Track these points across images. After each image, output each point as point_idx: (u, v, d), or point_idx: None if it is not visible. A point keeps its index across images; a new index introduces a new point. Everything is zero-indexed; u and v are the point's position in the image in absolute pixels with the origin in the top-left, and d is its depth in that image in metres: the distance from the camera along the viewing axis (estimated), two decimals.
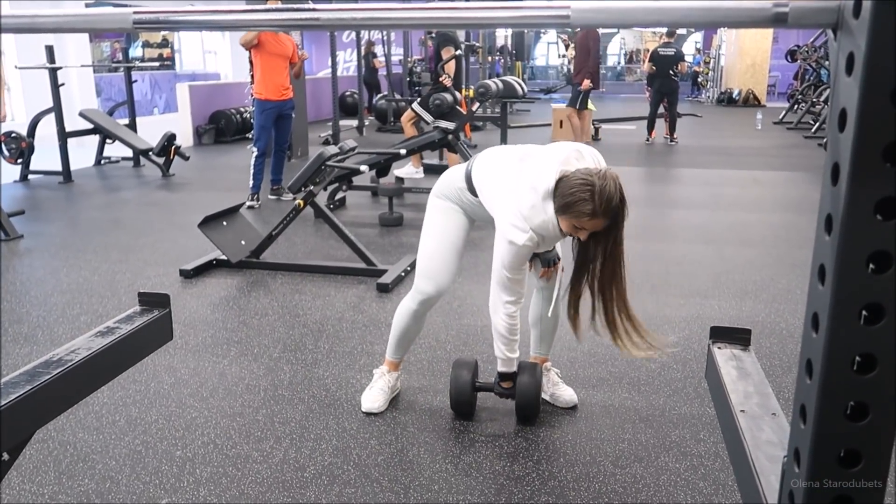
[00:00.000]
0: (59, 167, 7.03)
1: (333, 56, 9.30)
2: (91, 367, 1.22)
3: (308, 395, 2.62)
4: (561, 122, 9.53)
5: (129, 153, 8.00)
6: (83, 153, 8.13)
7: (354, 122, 11.20)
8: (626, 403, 2.55)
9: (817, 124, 10.73)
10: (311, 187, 4.21)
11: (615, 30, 25.96)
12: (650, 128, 10.05)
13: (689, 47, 21.56)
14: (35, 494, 2.02)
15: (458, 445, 2.28)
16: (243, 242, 4.19)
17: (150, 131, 8.22)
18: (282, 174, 6.19)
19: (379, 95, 12.66)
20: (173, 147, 7.41)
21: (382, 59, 12.62)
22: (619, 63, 28.09)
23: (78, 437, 2.32)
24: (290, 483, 2.08)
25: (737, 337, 1.37)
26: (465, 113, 6.71)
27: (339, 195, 5.86)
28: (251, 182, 5.87)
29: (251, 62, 6.00)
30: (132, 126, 8.12)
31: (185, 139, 9.42)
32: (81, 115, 7.67)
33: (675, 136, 9.93)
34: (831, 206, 0.71)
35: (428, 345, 3.04)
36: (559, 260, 2.41)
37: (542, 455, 2.23)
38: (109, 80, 13.47)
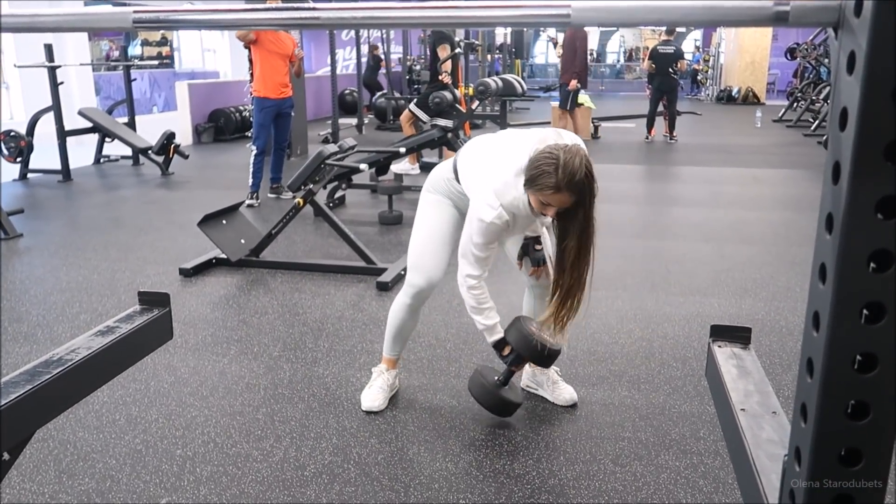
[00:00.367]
0: (58, 166, 7.03)
1: (333, 54, 9.30)
2: (91, 367, 1.22)
3: (308, 394, 2.62)
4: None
5: (128, 152, 8.00)
6: (82, 152, 8.13)
7: (354, 121, 11.19)
8: (626, 401, 2.56)
9: (817, 122, 10.73)
10: (311, 186, 4.21)
11: (614, 28, 25.93)
12: (650, 126, 10.05)
13: (688, 45, 21.56)
14: (35, 494, 2.03)
15: (459, 444, 2.28)
16: (243, 241, 4.19)
17: (150, 130, 8.22)
18: (281, 172, 6.19)
19: (379, 94, 12.65)
20: (172, 145, 7.41)
21: (384, 56, 12.60)
22: (618, 61, 28.06)
23: (78, 437, 2.32)
24: (290, 482, 2.08)
25: (737, 335, 1.37)
26: (464, 111, 6.72)
27: (339, 193, 5.86)
28: (250, 180, 5.87)
29: (250, 60, 6.00)
30: (131, 125, 8.12)
31: (184, 138, 9.41)
32: (80, 113, 7.67)
33: (674, 134, 9.93)
34: (832, 204, 0.71)
35: (427, 343, 3.04)
36: (545, 262, 2.41)
37: (542, 453, 2.23)
38: (108, 78, 13.46)
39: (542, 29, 13.11)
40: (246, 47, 6.13)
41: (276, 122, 5.93)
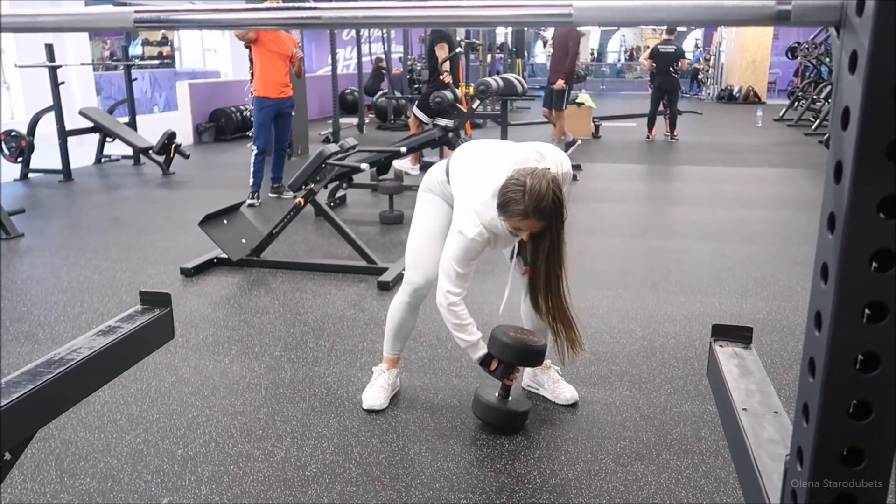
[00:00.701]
0: (59, 166, 7.03)
1: (333, 54, 9.29)
2: (92, 366, 1.22)
3: (309, 394, 2.62)
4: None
5: (129, 151, 8.00)
6: (83, 151, 8.13)
7: (355, 120, 11.19)
8: (627, 401, 2.55)
9: (818, 121, 10.72)
10: (312, 185, 4.21)
11: (614, 27, 25.92)
12: (650, 125, 10.05)
13: (688, 44, 21.55)
14: (37, 493, 2.03)
15: (460, 444, 2.28)
16: (244, 241, 4.20)
17: (151, 129, 8.22)
18: (282, 172, 6.19)
19: (379, 93, 12.65)
20: (173, 145, 7.41)
21: (385, 59, 12.59)
22: (619, 60, 28.06)
23: (79, 436, 2.32)
24: (291, 481, 2.08)
25: (738, 335, 1.37)
26: (465, 110, 6.71)
27: (340, 193, 5.86)
28: (251, 180, 5.87)
29: (251, 60, 6.00)
30: (132, 124, 8.12)
31: (185, 137, 9.42)
32: (81, 113, 7.67)
33: (675, 133, 9.92)
34: (834, 204, 0.71)
35: (429, 343, 3.04)
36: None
37: (544, 453, 2.23)
38: (109, 78, 13.47)
39: (538, 29, 13.08)
40: (246, 47, 6.13)
41: (276, 122, 5.93)
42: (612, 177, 7.17)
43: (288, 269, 4.10)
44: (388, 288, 3.73)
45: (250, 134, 6.96)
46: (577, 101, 10.05)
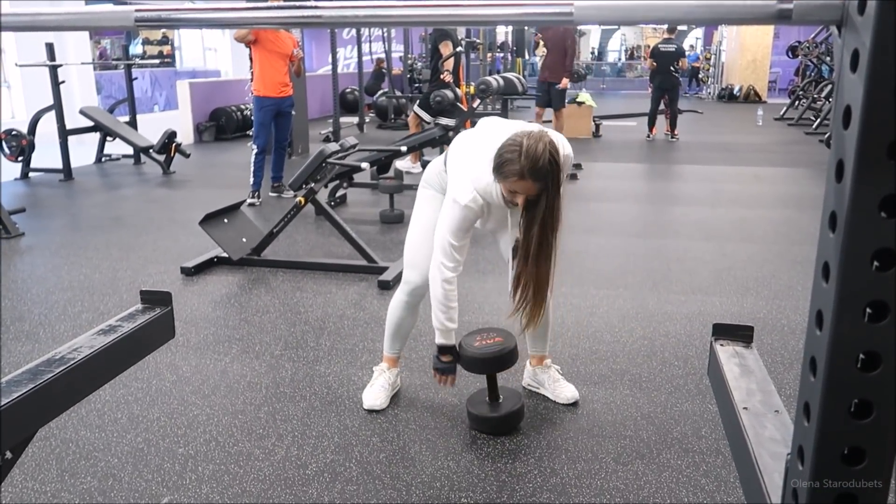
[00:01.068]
0: (59, 165, 7.03)
1: (334, 53, 9.29)
2: (93, 366, 1.22)
3: (310, 393, 2.62)
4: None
5: (129, 151, 8.00)
6: (84, 151, 8.13)
7: (355, 120, 11.18)
8: (628, 400, 2.55)
9: (818, 120, 10.71)
10: (312, 184, 4.21)
11: (615, 26, 25.92)
12: (651, 124, 10.05)
13: (686, 44, 21.53)
14: (37, 492, 2.03)
15: (460, 443, 2.28)
16: (244, 240, 4.20)
17: (151, 129, 8.22)
18: (282, 171, 6.19)
19: (379, 92, 12.65)
20: (174, 144, 7.41)
21: (394, 67, 12.61)
22: (619, 59, 28.05)
23: (80, 435, 2.32)
24: (291, 480, 2.08)
25: (739, 334, 1.37)
26: (465, 109, 6.71)
27: (340, 192, 5.86)
28: (252, 179, 5.87)
29: (251, 59, 6.00)
30: (133, 123, 8.12)
31: (185, 136, 9.42)
32: (82, 112, 7.67)
33: (675, 132, 9.92)
34: (835, 203, 0.71)
35: (429, 342, 3.03)
36: None
37: (544, 452, 2.23)
38: (110, 77, 13.46)
39: (536, 30, 13.06)
40: (247, 46, 6.13)
41: (276, 121, 5.93)
42: (612, 176, 7.16)
43: (288, 268, 4.10)
44: (388, 287, 3.73)
45: (250, 133, 6.97)
46: (577, 100, 10.06)
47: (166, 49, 16.62)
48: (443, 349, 2.32)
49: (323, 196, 4.91)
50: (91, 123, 7.69)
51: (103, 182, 7.21)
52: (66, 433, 2.32)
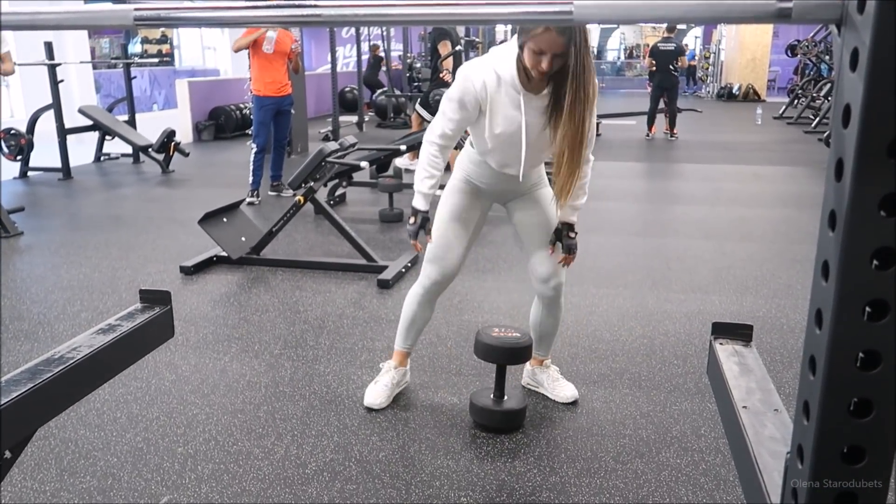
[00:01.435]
0: (58, 164, 7.03)
1: (333, 52, 9.28)
2: (92, 365, 1.22)
3: (309, 392, 2.62)
4: None
5: (128, 150, 7.99)
6: (82, 150, 8.12)
7: (354, 118, 11.18)
8: (627, 399, 2.55)
9: (817, 119, 10.72)
10: (312, 183, 4.21)
11: (615, 25, 25.89)
12: (650, 123, 10.05)
13: (685, 42, 21.53)
14: (37, 492, 2.03)
15: (460, 442, 2.28)
16: (243, 239, 4.19)
17: (150, 128, 8.22)
18: (281, 170, 6.19)
19: (379, 91, 12.64)
20: (173, 143, 7.41)
21: (384, 54, 12.60)
22: (618, 58, 28.05)
23: (79, 435, 2.32)
24: (291, 479, 2.08)
25: (738, 333, 1.37)
26: None
27: (340, 191, 5.86)
28: (251, 178, 5.87)
29: (250, 58, 5.99)
30: (131, 122, 8.12)
31: (184, 135, 9.41)
32: (81, 111, 7.66)
33: (675, 131, 9.93)
34: (835, 202, 0.71)
35: (429, 341, 3.04)
36: (575, 251, 2.35)
37: (543, 451, 2.23)
38: (109, 76, 13.46)
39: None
40: (246, 46, 6.12)
41: (276, 120, 5.92)
42: (611, 175, 7.16)
43: (288, 267, 4.10)
44: (387, 286, 3.73)
45: (250, 132, 6.97)
46: None
47: (165, 48, 16.61)
48: (413, 211, 2.28)
49: (322, 195, 4.91)
50: (90, 122, 7.69)
51: (102, 181, 7.21)
52: (66, 432, 2.32)
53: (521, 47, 1.98)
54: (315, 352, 2.97)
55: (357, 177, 5.86)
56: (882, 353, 0.71)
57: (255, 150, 5.82)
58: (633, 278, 3.89)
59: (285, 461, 2.17)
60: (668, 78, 9.71)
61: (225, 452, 2.22)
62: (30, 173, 7.16)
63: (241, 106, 10.34)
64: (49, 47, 6.98)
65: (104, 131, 7.82)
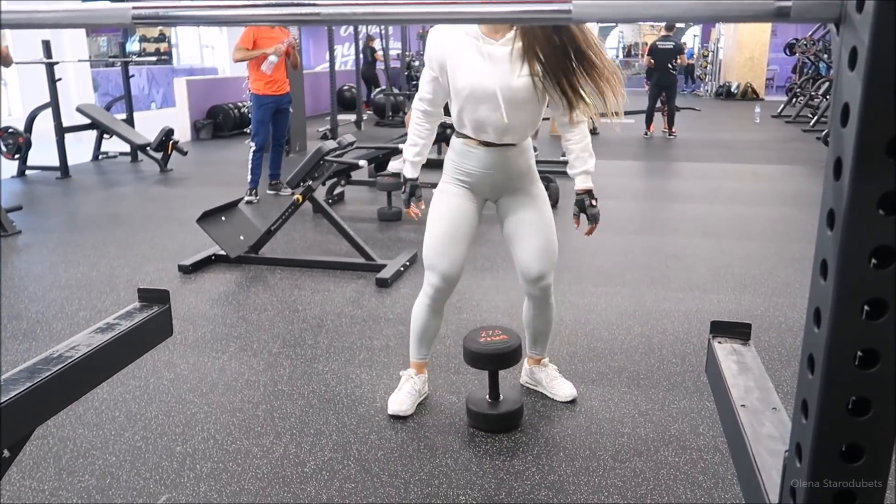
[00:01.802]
0: (56, 162, 7.02)
1: (331, 50, 9.28)
2: (91, 364, 1.21)
3: (308, 391, 2.62)
4: None
5: (126, 148, 7.99)
6: (80, 148, 8.12)
7: (353, 117, 11.17)
8: (626, 397, 2.56)
9: (816, 118, 10.73)
10: (310, 182, 4.20)
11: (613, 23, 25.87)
12: (648, 121, 10.05)
13: (683, 41, 21.53)
14: (35, 491, 2.03)
15: (458, 440, 2.28)
16: (242, 237, 4.19)
17: (148, 126, 8.21)
18: (280, 169, 6.18)
19: (377, 90, 12.64)
20: (171, 142, 7.40)
21: (380, 52, 12.60)
22: (617, 57, 28.04)
23: (78, 434, 2.32)
24: (290, 478, 2.08)
25: (737, 331, 1.37)
26: None
27: (338, 190, 5.85)
28: (249, 177, 5.86)
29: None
30: (129, 121, 8.11)
31: (182, 134, 9.41)
32: (78, 110, 7.66)
33: (673, 129, 9.93)
34: (834, 200, 0.71)
35: None
36: (598, 221, 2.42)
37: (542, 450, 2.23)
38: (107, 74, 13.44)
39: None
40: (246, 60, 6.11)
41: (274, 119, 5.92)
42: (610, 173, 7.16)
43: (286, 265, 4.10)
44: (386, 285, 3.73)
45: (248, 130, 6.96)
46: None
47: (163, 46, 16.59)
48: (402, 180, 2.41)
49: (321, 194, 4.91)
50: (88, 121, 7.68)
51: (100, 180, 7.20)
52: (64, 431, 2.32)
53: None
54: (314, 350, 2.97)
55: (355, 175, 5.86)
56: (881, 352, 0.71)
57: (253, 148, 5.82)
58: (631, 277, 3.89)
59: (284, 460, 2.17)
60: (667, 76, 9.71)
61: (223, 451, 2.22)
62: (28, 172, 7.16)
63: (240, 104, 10.33)
64: (47, 46, 6.97)
65: (102, 130, 7.81)
